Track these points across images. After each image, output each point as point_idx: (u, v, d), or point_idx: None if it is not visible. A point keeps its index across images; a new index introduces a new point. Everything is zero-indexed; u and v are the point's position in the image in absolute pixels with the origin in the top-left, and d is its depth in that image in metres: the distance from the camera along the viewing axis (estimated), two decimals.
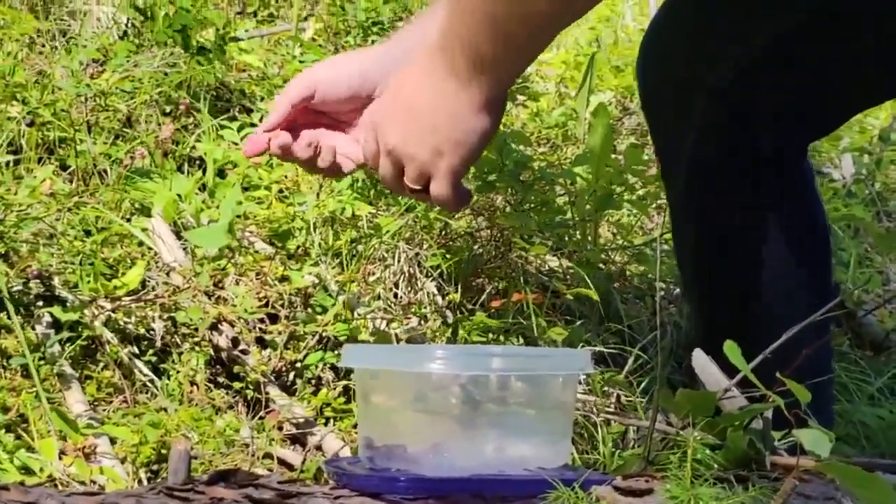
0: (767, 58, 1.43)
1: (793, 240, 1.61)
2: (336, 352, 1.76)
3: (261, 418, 1.57)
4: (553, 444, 1.15)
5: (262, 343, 1.69)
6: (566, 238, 2.08)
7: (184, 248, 1.80)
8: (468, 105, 1.17)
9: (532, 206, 1.99)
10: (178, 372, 1.62)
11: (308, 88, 1.34)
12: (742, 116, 1.48)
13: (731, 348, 1.15)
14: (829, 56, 1.42)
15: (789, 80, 1.45)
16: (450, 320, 1.83)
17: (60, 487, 1.30)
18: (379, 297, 1.89)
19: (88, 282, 1.64)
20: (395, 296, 1.90)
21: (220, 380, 1.68)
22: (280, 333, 1.71)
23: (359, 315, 1.79)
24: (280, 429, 1.57)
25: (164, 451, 1.49)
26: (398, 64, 1.34)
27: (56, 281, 1.68)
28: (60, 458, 1.39)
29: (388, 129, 1.22)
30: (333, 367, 1.76)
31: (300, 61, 2.32)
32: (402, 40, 1.39)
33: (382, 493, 1.05)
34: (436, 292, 1.94)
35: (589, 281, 1.93)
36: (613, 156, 2.22)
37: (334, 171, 1.36)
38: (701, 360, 1.44)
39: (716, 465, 1.06)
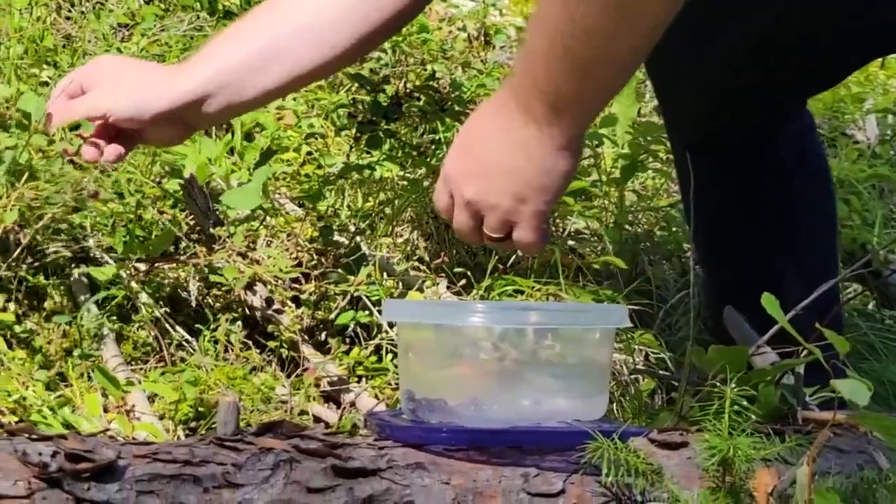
0: (754, 42, 1.46)
1: (793, 206, 1.64)
2: (367, 311, 1.78)
3: (297, 376, 1.59)
4: (590, 397, 1.17)
5: (296, 302, 1.71)
6: (593, 199, 2.10)
7: (217, 210, 1.81)
8: (549, 149, 1.15)
9: None
10: (213, 331, 1.64)
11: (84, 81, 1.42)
12: (733, 95, 1.51)
13: (768, 300, 1.16)
14: (807, 35, 1.44)
15: (776, 61, 1.48)
16: (480, 281, 1.84)
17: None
18: (409, 259, 1.91)
19: (125, 241, 1.66)
20: (423, 258, 1.92)
21: (254, 340, 1.71)
22: (312, 293, 1.73)
23: (389, 276, 1.80)
24: (316, 386, 1.60)
25: (201, 409, 1.52)
26: (177, 96, 1.40)
27: (91, 242, 1.71)
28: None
29: (463, 182, 1.20)
30: (365, 327, 1.78)
31: None
32: (188, 69, 1.44)
33: (425, 444, 1.07)
34: (465, 254, 1.95)
35: (612, 244, 1.94)
36: (638, 118, 2.23)
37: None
38: (733, 317, 1.46)
39: (753, 417, 1.07)
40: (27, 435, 0.91)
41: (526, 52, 1.15)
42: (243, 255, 1.70)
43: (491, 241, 1.22)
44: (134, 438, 1.39)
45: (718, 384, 1.10)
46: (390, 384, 1.67)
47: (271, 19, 1.44)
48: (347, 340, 1.73)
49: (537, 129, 1.14)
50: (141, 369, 1.60)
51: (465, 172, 1.20)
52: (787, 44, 1.45)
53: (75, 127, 1.42)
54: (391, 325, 1.63)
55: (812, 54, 1.48)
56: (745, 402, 1.07)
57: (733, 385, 1.07)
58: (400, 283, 1.80)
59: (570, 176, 1.18)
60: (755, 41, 1.45)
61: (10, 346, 1.51)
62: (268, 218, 1.82)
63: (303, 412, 1.57)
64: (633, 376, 1.67)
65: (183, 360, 1.60)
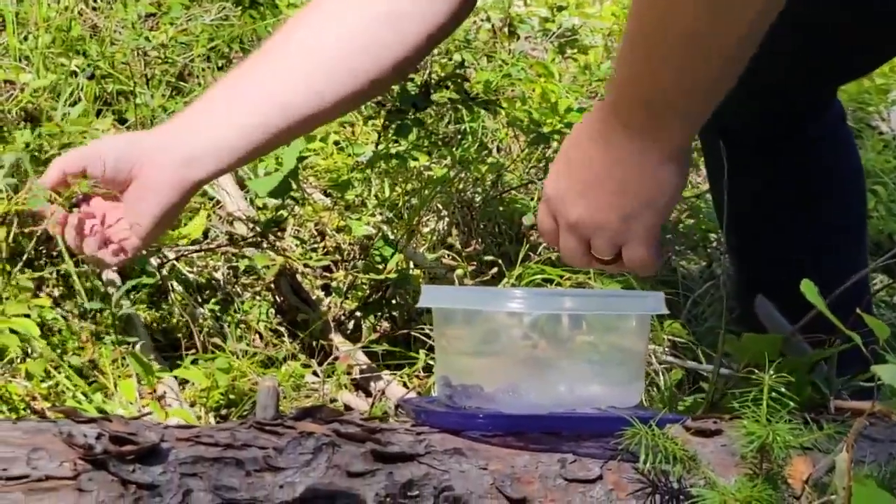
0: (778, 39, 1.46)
1: (821, 196, 1.64)
2: (395, 301, 1.78)
3: (330, 364, 1.59)
4: (625, 384, 1.16)
5: (325, 290, 1.72)
6: None
7: (246, 198, 1.82)
8: (654, 162, 1.10)
9: None
10: (242, 319, 1.64)
11: (81, 160, 1.31)
12: (762, 89, 1.51)
13: (807, 286, 1.16)
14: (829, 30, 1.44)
15: (791, 60, 1.47)
16: (510, 269, 1.84)
17: None
18: (435, 248, 1.91)
19: None
20: (453, 245, 1.92)
21: (282, 329, 1.71)
22: (342, 282, 1.74)
23: (417, 265, 1.81)
24: (346, 374, 1.60)
25: (231, 396, 1.52)
26: (147, 154, 1.30)
27: None
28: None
29: (567, 203, 1.14)
30: (392, 317, 1.78)
31: None
32: (159, 132, 1.36)
33: (462, 430, 1.07)
34: (491, 243, 1.95)
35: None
36: None
37: (101, 262, 1.32)
38: (764, 306, 1.46)
39: (791, 403, 1.07)
40: (71, 417, 0.92)
41: (620, 63, 1.11)
42: (272, 244, 1.71)
43: (600, 264, 1.18)
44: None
45: (756, 371, 1.09)
46: (419, 375, 1.67)
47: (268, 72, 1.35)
48: (377, 329, 1.74)
49: (640, 142, 1.09)
50: (171, 356, 1.61)
51: (568, 193, 1.14)
52: (803, 44, 1.45)
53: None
54: (427, 311, 1.63)
55: (828, 53, 1.47)
56: (782, 389, 1.07)
57: (771, 371, 1.07)
58: (429, 273, 1.81)
59: (680, 189, 1.13)
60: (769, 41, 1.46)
61: (42, 333, 1.51)
62: (296, 207, 1.82)
63: (332, 400, 1.57)
64: (662, 366, 1.66)
65: (215, 346, 1.60)
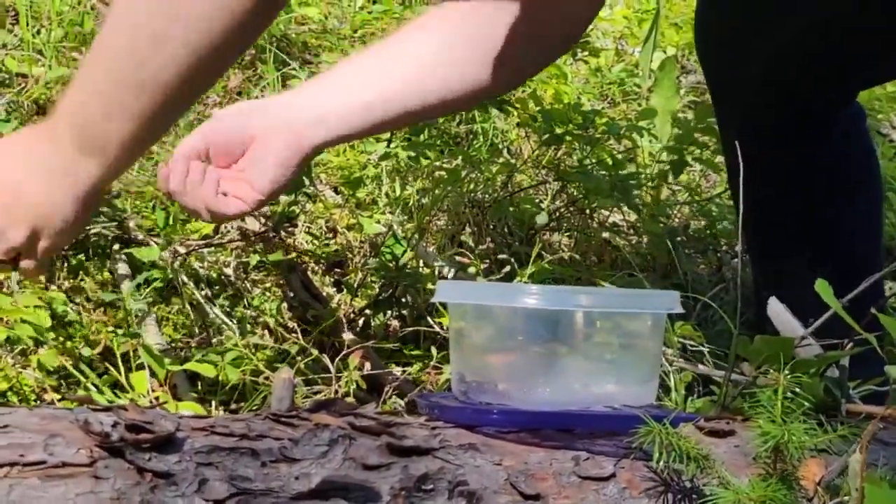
0: (799, 41, 1.46)
1: (842, 198, 1.64)
2: (404, 299, 1.78)
3: (341, 359, 1.59)
4: (640, 383, 1.16)
5: (336, 287, 1.72)
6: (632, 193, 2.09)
7: None
8: (70, 190, 1.10)
9: (596, 161, 2.00)
10: (252, 314, 1.64)
11: (201, 143, 1.28)
12: (786, 89, 1.51)
13: (822, 286, 1.16)
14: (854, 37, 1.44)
15: (825, 59, 1.48)
16: (516, 269, 1.84)
17: None
18: (445, 247, 1.91)
19: (167, 226, 1.67)
20: (466, 243, 1.92)
21: (293, 324, 1.71)
22: (352, 279, 1.73)
23: (429, 264, 1.81)
24: (357, 370, 1.60)
25: (242, 391, 1.52)
26: (270, 116, 1.28)
27: (132, 224, 1.71)
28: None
29: None
30: (401, 316, 1.78)
31: (368, 12, 2.33)
32: (286, 96, 1.34)
33: (477, 425, 1.07)
34: (500, 243, 1.95)
35: (648, 237, 1.93)
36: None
37: (219, 212, 1.27)
38: (776, 307, 1.45)
39: (806, 404, 1.06)
40: (87, 405, 0.92)
41: (77, 77, 1.10)
42: (283, 240, 1.71)
43: None
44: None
45: (771, 371, 1.09)
46: (429, 372, 1.67)
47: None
48: (388, 327, 1.74)
49: (63, 166, 1.10)
50: (182, 350, 1.61)
51: None
52: (816, 52, 1.45)
53: None
54: (438, 309, 1.63)
55: (852, 57, 1.48)
56: (797, 389, 1.07)
57: (785, 372, 1.07)
58: (440, 271, 1.81)
59: (82, 227, 1.15)
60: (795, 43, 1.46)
61: (54, 325, 1.51)
62: (307, 204, 1.82)
63: (345, 395, 1.57)
64: (673, 368, 1.66)
65: (222, 342, 1.60)
